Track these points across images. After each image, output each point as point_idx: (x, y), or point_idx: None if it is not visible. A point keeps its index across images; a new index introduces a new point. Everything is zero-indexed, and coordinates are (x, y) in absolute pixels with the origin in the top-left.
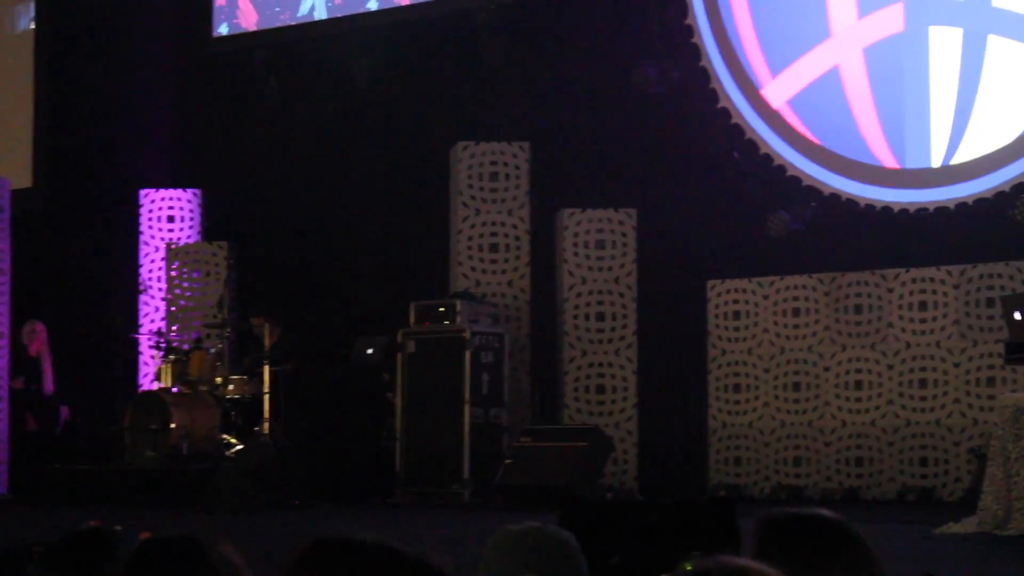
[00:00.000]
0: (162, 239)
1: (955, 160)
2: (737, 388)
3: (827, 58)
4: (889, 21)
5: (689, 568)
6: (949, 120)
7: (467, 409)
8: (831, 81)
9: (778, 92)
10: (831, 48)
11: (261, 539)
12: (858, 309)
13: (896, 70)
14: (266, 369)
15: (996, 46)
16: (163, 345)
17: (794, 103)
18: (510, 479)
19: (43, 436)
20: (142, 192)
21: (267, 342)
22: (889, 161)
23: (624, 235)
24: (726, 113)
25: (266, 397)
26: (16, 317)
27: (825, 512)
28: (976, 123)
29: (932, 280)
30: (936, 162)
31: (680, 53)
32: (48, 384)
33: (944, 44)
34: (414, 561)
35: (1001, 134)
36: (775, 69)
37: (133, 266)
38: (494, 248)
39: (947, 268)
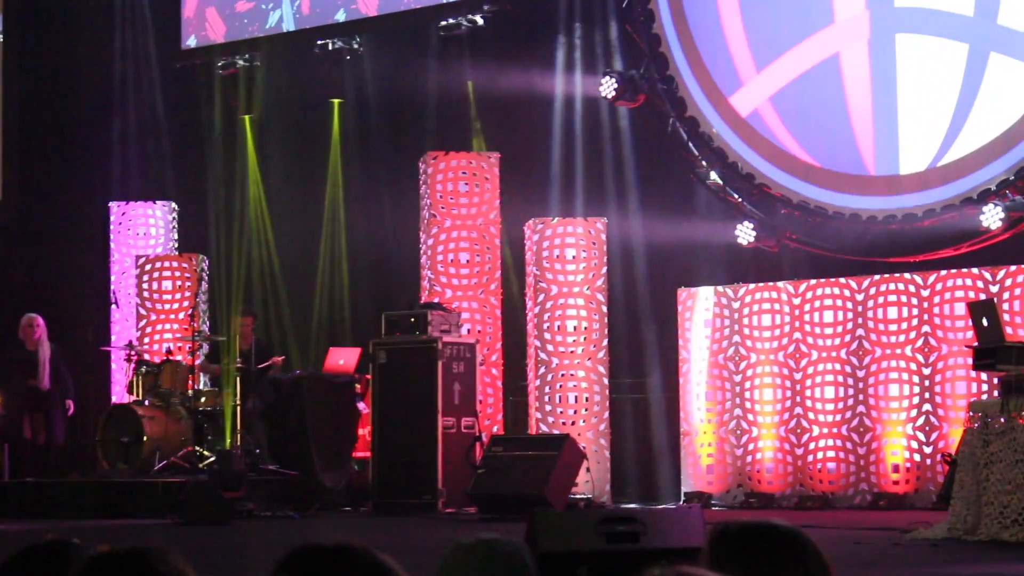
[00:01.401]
0: (133, 252)
1: (923, 167)
2: (709, 395)
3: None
4: (856, 28)
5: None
6: (919, 127)
7: (439, 419)
8: (795, 91)
9: (746, 99)
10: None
11: (232, 549)
12: (830, 316)
13: (861, 78)
14: (237, 380)
15: (947, 49)
16: (134, 358)
17: (759, 112)
18: (482, 488)
19: (43, 446)
20: (112, 204)
21: (242, 344)
22: (859, 169)
23: (594, 244)
24: (694, 122)
25: (237, 408)
26: None
27: (778, 521)
28: (944, 130)
29: (900, 287)
30: (904, 169)
31: (647, 63)
32: (45, 380)
33: (909, 52)
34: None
35: (971, 140)
36: (744, 76)
37: (104, 279)
38: (465, 259)
39: (913, 275)
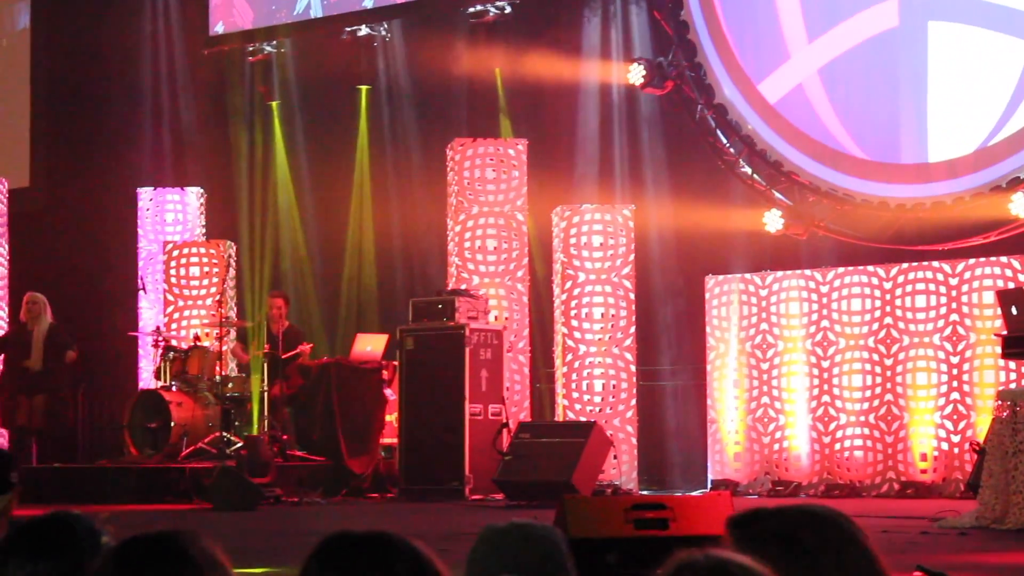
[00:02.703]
0: (161, 238)
1: (950, 155)
2: (736, 383)
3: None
4: (885, 16)
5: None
6: (950, 115)
7: (466, 405)
8: (811, 88)
9: (790, 74)
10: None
11: (260, 535)
12: (858, 304)
13: (891, 66)
14: (265, 366)
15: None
16: (162, 344)
17: (787, 100)
18: (509, 475)
19: (37, 430)
20: (140, 190)
21: (276, 326)
22: (885, 156)
23: (622, 231)
24: (723, 109)
25: (265, 394)
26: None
27: (816, 506)
28: (975, 118)
29: (929, 276)
30: (933, 157)
31: (675, 49)
32: (37, 361)
33: (939, 39)
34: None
35: (1003, 129)
36: (766, 68)
37: (132, 265)
38: (492, 245)
39: (942, 263)
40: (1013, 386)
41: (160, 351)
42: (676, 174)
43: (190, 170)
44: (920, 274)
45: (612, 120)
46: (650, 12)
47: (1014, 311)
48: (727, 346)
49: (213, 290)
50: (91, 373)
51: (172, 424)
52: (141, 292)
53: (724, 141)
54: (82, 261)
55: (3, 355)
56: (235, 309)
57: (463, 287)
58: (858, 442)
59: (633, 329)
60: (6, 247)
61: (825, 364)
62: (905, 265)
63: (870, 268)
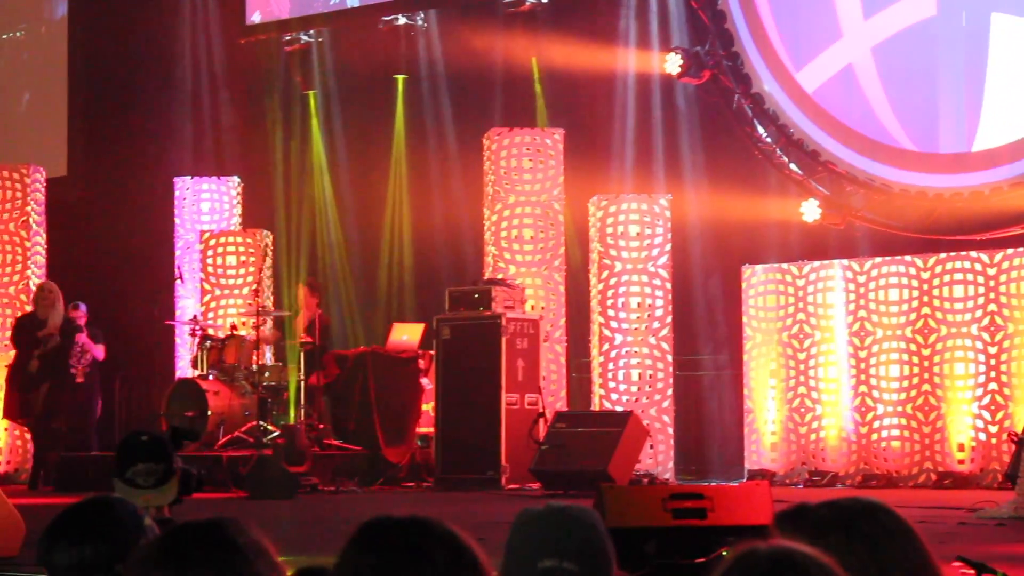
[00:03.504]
0: (198, 227)
1: (990, 144)
2: (773, 373)
3: (856, 45)
4: (922, 6)
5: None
6: (983, 104)
7: (502, 395)
8: (862, 68)
9: (810, 77)
10: (861, 35)
11: (297, 524)
12: (895, 294)
13: (929, 56)
14: (301, 355)
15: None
16: (199, 333)
17: (825, 89)
18: (545, 464)
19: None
20: (177, 180)
21: (305, 314)
22: (922, 146)
23: (658, 221)
24: (760, 98)
25: (301, 383)
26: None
27: (868, 498)
28: (1015, 108)
29: (967, 265)
30: (971, 147)
31: (712, 39)
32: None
33: (977, 29)
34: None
35: None
36: (807, 55)
37: (169, 254)
38: (528, 235)
39: (979, 253)
40: None
41: (197, 340)
42: (712, 164)
43: (227, 159)
44: (958, 264)
45: (649, 110)
46: (687, 1)
47: None
48: (763, 336)
49: (250, 279)
50: (128, 362)
51: (209, 413)
52: (178, 281)
53: (761, 130)
54: (119, 250)
55: (16, 348)
56: (271, 299)
57: (499, 276)
58: (895, 432)
59: (669, 319)
60: (44, 236)
61: (862, 354)
62: (943, 255)
63: (907, 258)
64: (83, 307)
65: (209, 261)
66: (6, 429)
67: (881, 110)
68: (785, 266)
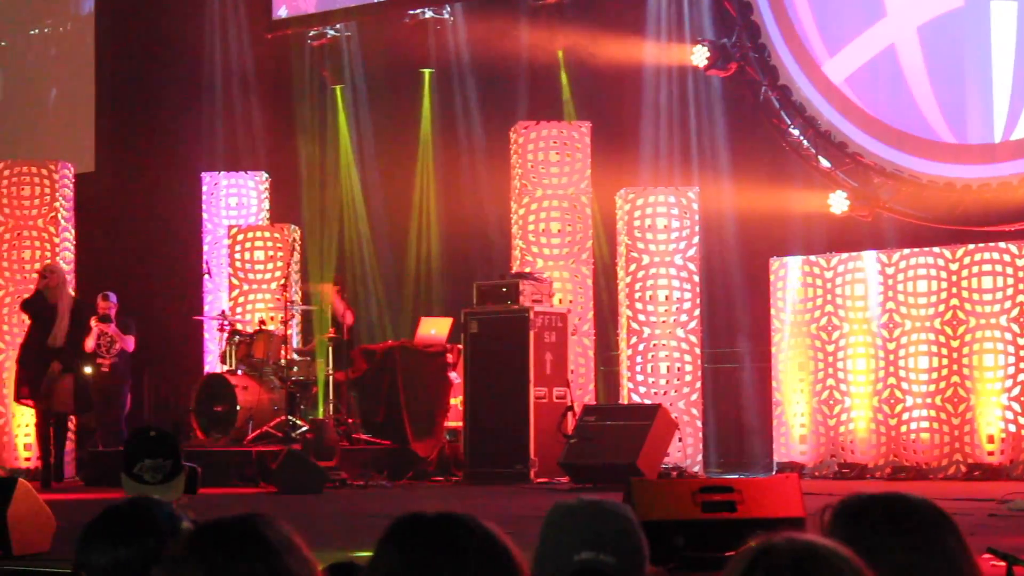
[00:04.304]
0: (225, 222)
1: (1019, 135)
2: (801, 365)
3: (883, 36)
4: None
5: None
6: (1010, 95)
7: (531, 388)
8: (888, 59)
9: (837, 69)
10: (887, 26)
11: (327, 519)
12: (924, 285)
13: (956, 46)
14: (329, 349)
15: None
16: (227, 328)
17: (852, 80)
18: (574, 458)
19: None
20: (204, 175)
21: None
22: (950, 137)
23: (686, 213)
24: (787, 90)
25: (330, 377)
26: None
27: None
28: None
29: (996, 256)
30: (999, 137)
31: (739, 31)
32: (60, 337)
33: (1004, 19)
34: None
35: None
36: (833, 47)
37: (197, 249)
38: (556, 228)
39: (1008, 244)
40: None
41: (225, 335)
42: (740, 156)
43: (254, 154)
44: (987, 255)
45: (675, 102)
46: None
47: None
48: (792, 328)
49: (278, 274)
50: (156, 358)
51: (238, 408)
52: (206, 276)
53: (788, 122)
54: (147, 245)
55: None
56: (299, 294)
57: (527, 270)
58: (924, 424)
59: (698, 312)
60: (72, 232)
61: (891, 346)
62: (971, 246)
63: (936, 249)
64: (113, 297)
65: (237, 256)
66: (36, 426)
67: (921, 92)
68: (813, 258)
